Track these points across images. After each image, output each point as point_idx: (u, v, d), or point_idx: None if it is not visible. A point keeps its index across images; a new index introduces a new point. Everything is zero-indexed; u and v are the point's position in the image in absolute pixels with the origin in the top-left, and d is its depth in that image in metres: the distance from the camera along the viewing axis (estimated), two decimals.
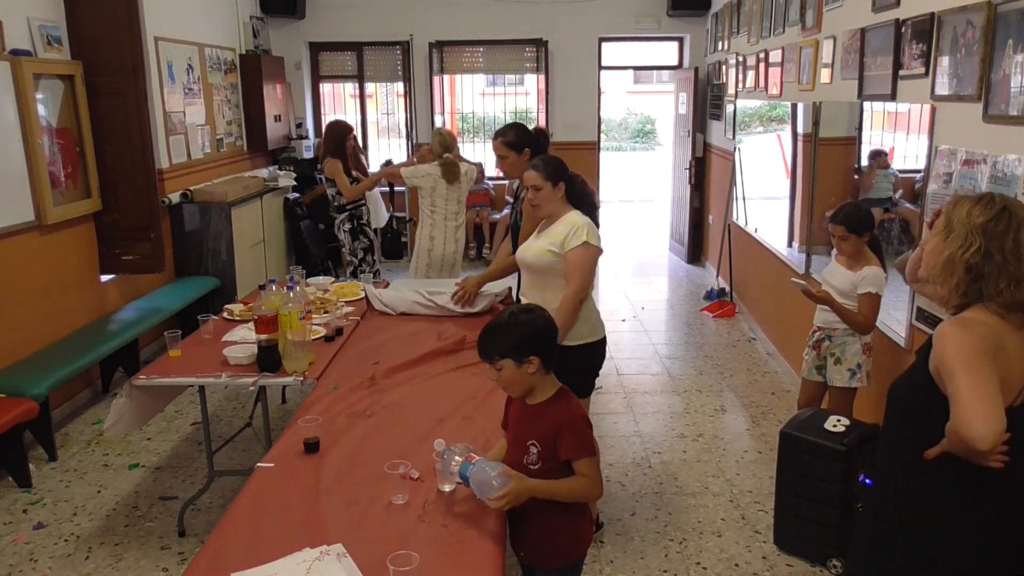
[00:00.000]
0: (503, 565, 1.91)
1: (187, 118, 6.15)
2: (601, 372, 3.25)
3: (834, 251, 3.57)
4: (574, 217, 3.04)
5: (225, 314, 3.90)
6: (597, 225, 3.11)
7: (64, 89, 4.73)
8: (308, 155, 8.14)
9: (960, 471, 1.70)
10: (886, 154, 4.05)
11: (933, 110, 3.22)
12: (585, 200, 3.14)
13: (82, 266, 4.95)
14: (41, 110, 4.49)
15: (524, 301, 3.22)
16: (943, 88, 3.11)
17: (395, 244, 6.99)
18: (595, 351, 3.13)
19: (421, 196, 4.99)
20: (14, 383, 3.94)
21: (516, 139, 3.71)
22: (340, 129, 5.75)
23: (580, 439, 2.09)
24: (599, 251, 3.04)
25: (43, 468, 4.05)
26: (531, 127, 3.92)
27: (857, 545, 1.99)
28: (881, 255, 3.42)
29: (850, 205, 3.54)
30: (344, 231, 5.71)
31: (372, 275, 5.68)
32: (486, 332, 2.15)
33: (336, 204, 5.69)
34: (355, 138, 5.95)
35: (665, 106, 18.30)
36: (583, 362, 3.08)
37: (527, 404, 2.17)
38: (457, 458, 2.07)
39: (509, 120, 9.61)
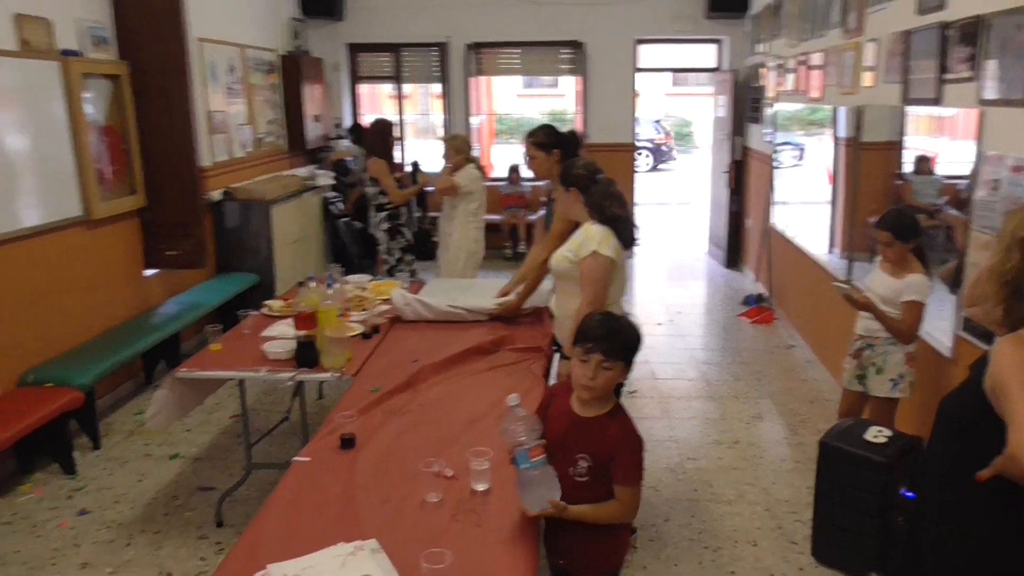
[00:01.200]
0: (536, 568, 1.91)
1: (229, 117, 6.26)
2: (636, 376, 3.24)
3: (878, 257, 3.51)
4: (591, 226, 2.99)
5: (264, 310, 3.96)
6: (630, 229, 3.06)
7: (111, 88, 4.85)
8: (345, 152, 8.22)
9: (1010, 490, 1.64)
10: (930, 160, 3.98)
11: (980, 115, 3.16)
12: (611, 201, 3.04)
13: (127, 261, 5.06)
14: (89, 109, 4.60)
15: (553, 307, 3.24)
16: (991, 92, 3.05)
17: (426, 244, 7.02)
18: None
19: (467, 201, 5.03)
20: (61, 373, 4.04)
21: (545, 139, 3.76)
22: (382, 127, 5.78)
23: (634, 466, 2.08)
24: (610, 261, 2.92)
25: (87, 456, 4.15)
26: (566, 130, 3.94)
27: (899, 559, 1.95)
28: (926, 262, 3.35)
29: (895, 210, 3.45)
30: (382, 230, 5.75)
31: (409, 275, 5.71)
32: (612, 329, 2.09)
33: (376, 204, 5.72)
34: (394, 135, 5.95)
35: (704, 109, 18.15)
36: None
37: (576, 415, 2.12)
38: (523, 438, 1.97)
39: (545, 122, 9.65)
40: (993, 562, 1.73)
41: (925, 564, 1.82)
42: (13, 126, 4.04)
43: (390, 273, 5.78)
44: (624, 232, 3.02)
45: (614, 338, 2.07)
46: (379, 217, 5.74)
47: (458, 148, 5.25)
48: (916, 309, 3.23)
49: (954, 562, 1.76)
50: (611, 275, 2.96)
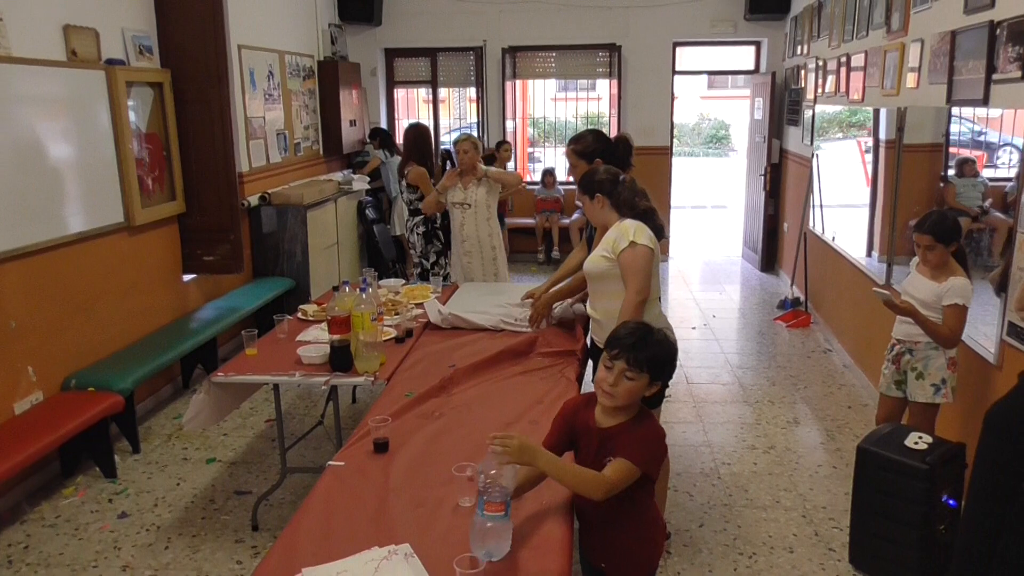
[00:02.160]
0: (569, 572, 1.90)
1: (267, 123, 6.34)
2: (671, 381, 3.19)
3: (914, 260, 3.43)
4: (623, 222, 3.00)
5: (299, 314, 4.00)
6: (660, 233, 3.06)
7: (153, 96, 4.94)
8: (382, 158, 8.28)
9: None
10: (974, 162, 3.89)
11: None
12: (640, 197, 3.07)
13: (166, 266, 5.14)
14: (132, 116, 4.69)
15: (590, 311, 3.21)
16: None
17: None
18: None
19: (497, 201, 5.01)
20: (102, 378, 4.12)
21: (586, 148, 3.61)
22: (422, 133, 5.68)
23: (644, 448, 2.02)
24: (648, 250, 2.93)
25: (127, 460, 4.22)
26: (617, 135, 3.80)
27: (941, 569, 1.91)
28: (967, 266, 3.28)
29: (937, 213, 3.39)
30: (418, 234, 5.77)
31: (443, 279, 5.71)
32: (641, 339, 2.05)
33: (412, 208, 5.72)
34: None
35: (740, 111, 17.97)
36: None
37: (602, 428, 2.09)
38: (490, 487, 1.84)
39: (581, 125, 9.61)
40: None
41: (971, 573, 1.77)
42: (60, 135, 4.14)
43: (423, 277, 5.79)
44: (654, 222, 3.06)
45: (641, 348, 2.03)
46: (415, 220, 5.76)
47: (479, 145, 5.02)
48: (959, 313, 3.16)
49: (993, 568, 1.72)
50: (652, 264, 2.97)
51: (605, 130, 3.88)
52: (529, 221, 8.64)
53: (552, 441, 2.18)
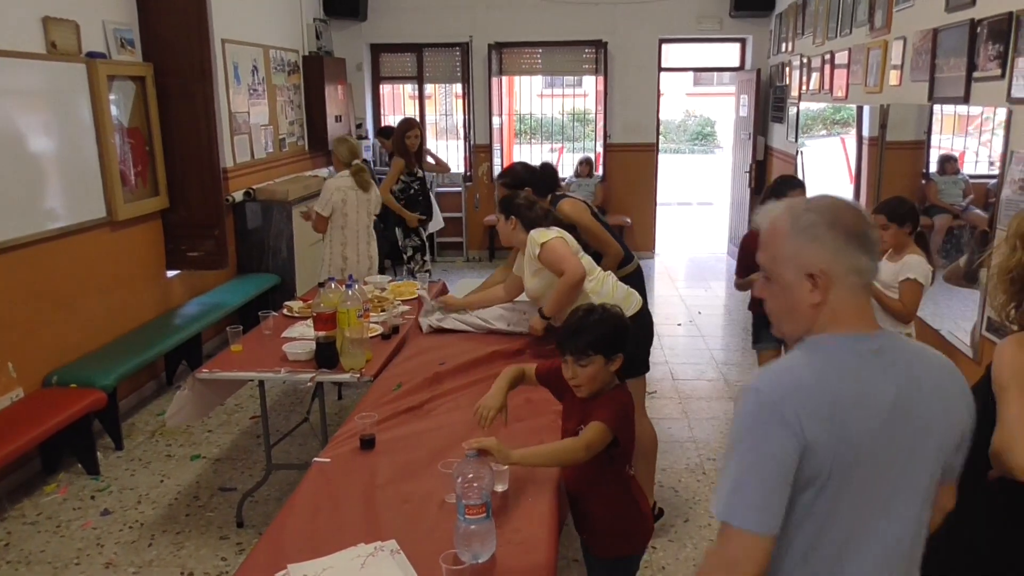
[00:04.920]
0: (555, 568, 1.90)
1: (251, 118, 6.29)
2: (656, 377, 3.22)
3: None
4: (529, 235, 3.12)
5: (285, 311, 3.98)
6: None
7: (136, 90, 4.89)
8: (367, 155, 8.27)
9: (1015, 490, 1.64)
10: (956, 159, 3.92)
11: (1010, 113, 3.10)
12: (544, 213, 3.24)
13: (149, 262, 5.10)
14: (114, 110, 4.64)
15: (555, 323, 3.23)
16: (1021, 90, 2.99)
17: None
18: (637, 325, 3.05)
19: (333, 218, 4.83)
20: (85, 374, 4.09)
21: (515, 179, 3.74)
22: (401, 126, 5.85)
23: (612, 411, 2.08)
24: (558, 239, 3.06)
25: (110, 456, 4.19)
26: (540, 163, 4.03)
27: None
28: (928, 251, 3.38)
29: (896, 197, 3.52)
30: (400, 227, 5.81)
31: (427, 274, 5.73)
32: (576, 327, 2.14)
33: (398, 198, 5.78)
34: (417, 135, 5.91)
35: (725, 108, 18.04)
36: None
37: (583, 401, 2.18)
38: (467, 490, 1.83)
39: (567, 122, 9.62)
40: (995, 558, 1.73)
41: (935, 563, 1.80)
42: (39, 128, 4.09)
43: (411, 273, 5.80)
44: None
45: (578, 336, 2.12)
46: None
47: (349, 151, 4.94)
48: (915, 288, 3.26)
49: (963, 561, 1.76)
50: (569, 246, 3.08)
51: (592, 127, 3.98)
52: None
53: (547, 375, 2.35)
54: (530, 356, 3.34)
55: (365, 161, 8.04)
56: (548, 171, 3.96)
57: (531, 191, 3.61)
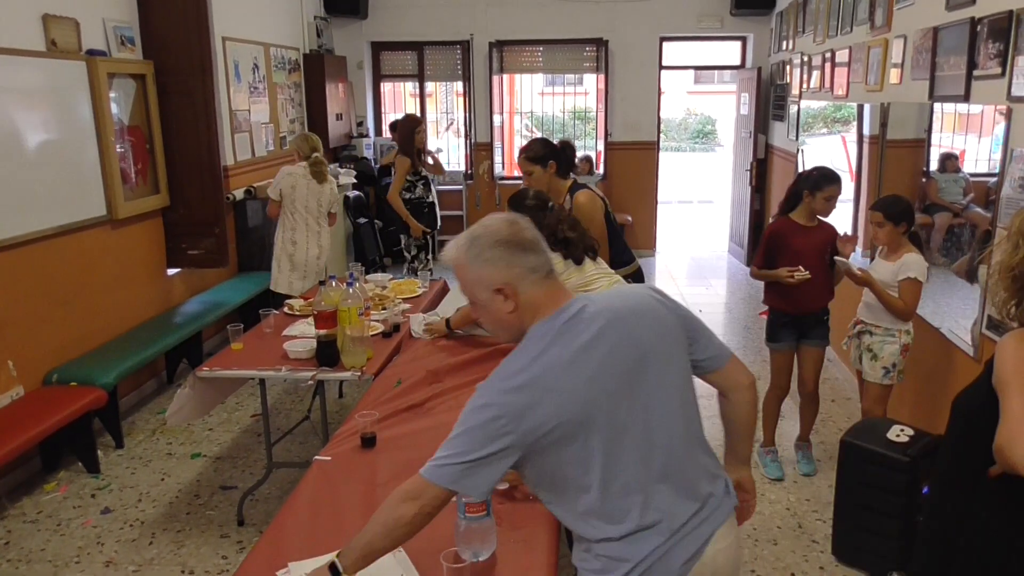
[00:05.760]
0: (556, 565, 1.90)
1: (252, 116, 6.29)
2: None
3: (881, 249, 3.57)
4: None
5: (286, 309, 3.98)
6: (582, 246, 3.15)
7: (136, 88, 4.89)
8: (368, 153, 8.26)
9: (1017, 486, 1.64)
10: (957, 157, 3.92)
11: (1010, 111, 3.10)
12: (564, 225, 3.18)
13: (150, 260, 5.10)
14: (114, 108, 4.64)
15: None
16: (1021, 89, 2.99)
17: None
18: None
19: (283, 204, 5.02)
20: (85, 372, 4.09)
21: (536, 154, 3.75)
22: (408, 123, 5.78)
23: None
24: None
25: (110, 455, 4.19)
26: (558, 141, 4.00)
27: (922, 559, 1.94)
28: (921, 249, 3.42)
29: (892, 195, 3.55)
30: (404, 233, 5.80)
31: (428, 272, 5.73)
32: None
33: (403, 198, 5.77)
34: (424, 131, 5.86)
35: (726, 107, 18.04)
36: None
37: None
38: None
39: (568, 120, 9.62)
40: (996, 556, 1.72)
41: (948, 559, 1.80)
42: (40, 126, 4.09)
43: (413, 272, 5.80)
44: (575, 251, 3.14)
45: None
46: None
47: (310, 146, 5.14)
48: (915, 287, 3.30)
49: (978, 557, 1.75)
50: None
51: (592, 126, 4.00)
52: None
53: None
54: None
55: (364, 159, 8.10)
56: (569, 149, 3.95)
57: (555, 165, 3.72)
